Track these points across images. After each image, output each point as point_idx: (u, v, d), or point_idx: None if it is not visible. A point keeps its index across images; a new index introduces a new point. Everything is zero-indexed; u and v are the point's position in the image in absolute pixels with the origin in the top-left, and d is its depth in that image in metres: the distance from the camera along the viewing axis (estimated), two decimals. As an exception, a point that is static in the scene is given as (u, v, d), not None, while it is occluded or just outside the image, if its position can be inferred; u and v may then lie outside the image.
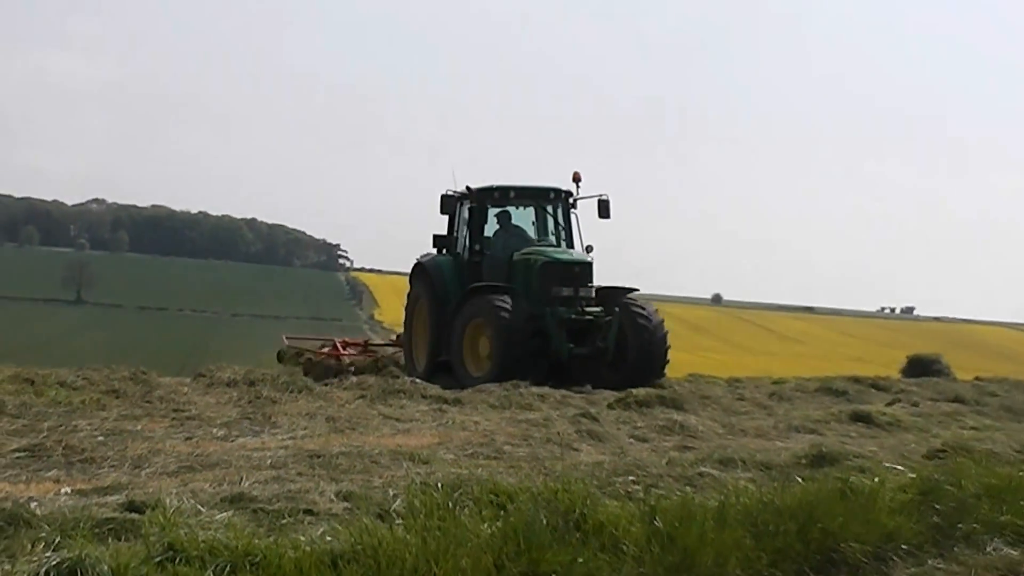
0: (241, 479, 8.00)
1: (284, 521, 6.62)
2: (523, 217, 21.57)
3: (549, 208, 21.59)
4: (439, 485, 7.34)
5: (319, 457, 9.14)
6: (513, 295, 19.15)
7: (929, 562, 7.36)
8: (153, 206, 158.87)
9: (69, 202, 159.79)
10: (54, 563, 5.27)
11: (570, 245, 21.14)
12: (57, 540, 5.66)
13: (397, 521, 6.44)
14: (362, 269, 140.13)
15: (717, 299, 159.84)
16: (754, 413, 14.42)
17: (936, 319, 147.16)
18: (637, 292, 20.51)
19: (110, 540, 5.81)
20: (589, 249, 20.97)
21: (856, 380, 20.38)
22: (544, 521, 6.36)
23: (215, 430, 10.97)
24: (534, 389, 15.62)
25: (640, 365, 19.00)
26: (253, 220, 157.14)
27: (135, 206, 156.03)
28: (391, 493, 7.35)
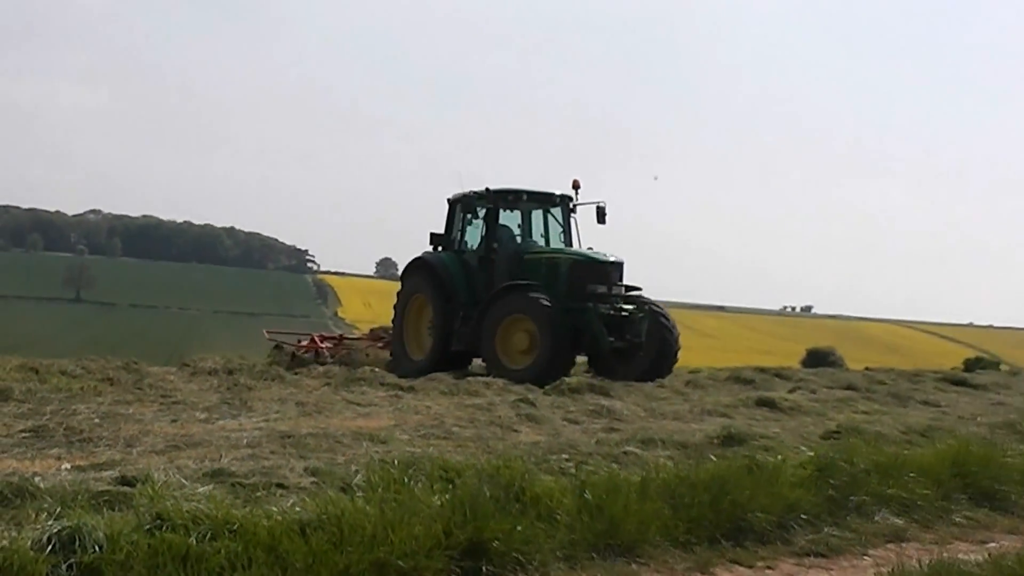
0: (221, 456, 7.95)
1: (259, 494, 6.58)
2: (511, 219, 20.44)
3: (554, 212, 20.55)
4: (395, 462, 7.32)
5: (290, 437, 9.09)
6: (548, 293, 18.21)
7: (825, 529, 7.40)
8: (144, 216, 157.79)
9: (70, 212, 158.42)
10: (55, 531, 5.22)
11: (569, 245, 20.15)
12: (58, 510, 5.61)
13: (358, 494, 6.41)
14: (327, 272, 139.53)
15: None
16: (672, 399, 14.47)
17: (832, 316, 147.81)
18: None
19: (105, 510, 5.75)
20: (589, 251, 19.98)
21: (761, 370, 20.55)
22: (487, 494, 6.35)
23: (198, 413, 10.91)
24: (480, 378, 15.62)
25: (658, 360, 18.58)
26: (232, 228, 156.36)
27: (128, 216, 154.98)
28: (353, 469, 7.32)
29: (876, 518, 7.75)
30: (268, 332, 24.96)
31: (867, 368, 25.20)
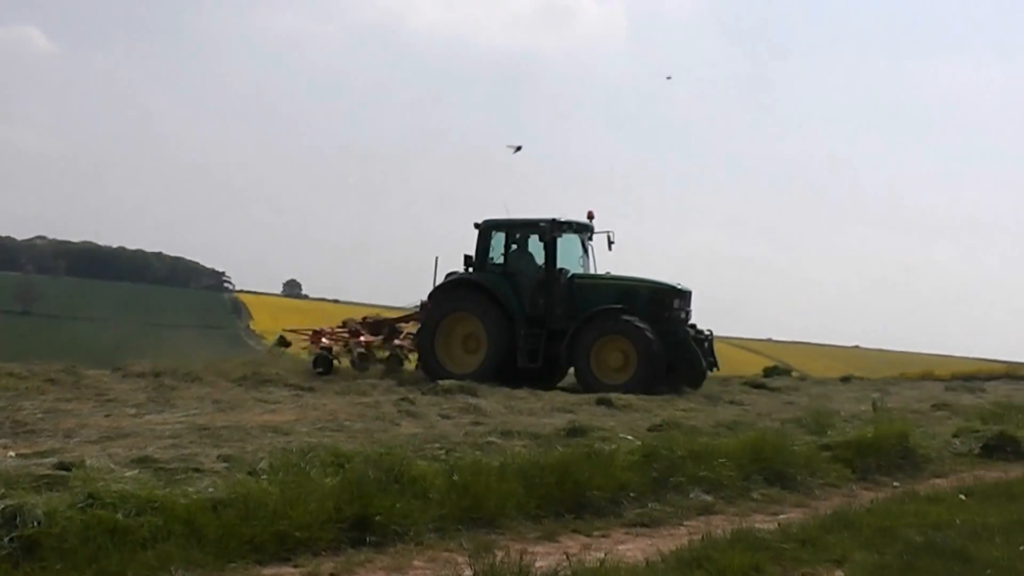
0: (147, 446, 7.81)
1: (178, 477, 6.46)
2: (536, 245, 18.65)
3: (585, 239, 19.15)
4: (295, 450, 7.27)
5: (206, 429, 8.97)
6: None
7: (650, 504, 7.46)
8: (84, 241, 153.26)
9: (19, 237, 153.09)
10: (0, 508, 5.08)
11: (588, 270, 18.96)
12: (3, 491, 5.43)
13: (263, 476, 6.34)
14: (241, 291, 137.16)
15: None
16: (528, 399, 14.49)
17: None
18: None
19: (44, 491, 5.59)
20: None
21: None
22: (372, 476, 6.32)
23: (128, 409, 10.74)
24: (369, 380, 15.55)
25: (697, 376, 18.05)
26: (160, 253, 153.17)
27: (70, 241, 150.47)
28: (259, 456, 7.22)
29: (690, 495, 7.82)
30: (285, 330, 20.94)
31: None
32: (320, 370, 18.08)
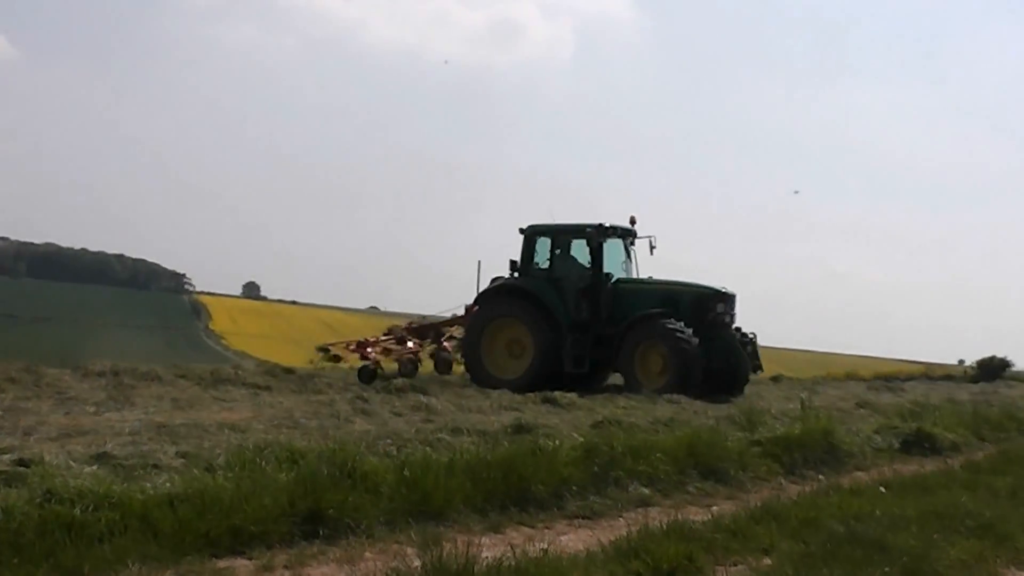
0: (105, 443, 7.65)
1: (136, 473, 6.35)
2: (580, 250, 18.06)
3: (628, 243, 18.49)
4: (251, 447, 7.18)
5: (165, 427, 8.83)
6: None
7: (591, 498, 7.49)
8: (46, 243, 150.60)
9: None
10: (-39, 504, 4.99)
11: (637, 273, 18.37)
12: (-37, 487, 5.33)
13: (219, 472, 6.27)
14: (201, 292, 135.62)
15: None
16: (476, 397, 14.44)
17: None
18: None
19: (2, 488, 5.49)
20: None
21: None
22: (325, 472, 6.29)
23: (88, 407, 10.55)
24: (325, 379, 15.41)
25: (741, 379, 17.46)
26: (121, 255, 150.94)
27: (32, 243, 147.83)
28: (216, 452, 7.14)
29: (629, 489, 7.86)
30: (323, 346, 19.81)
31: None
32: (365, 382, 17.52)
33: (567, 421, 11.38)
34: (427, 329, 20.10)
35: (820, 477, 9.31)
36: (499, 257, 19.21)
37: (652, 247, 18.20)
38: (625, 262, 18.53)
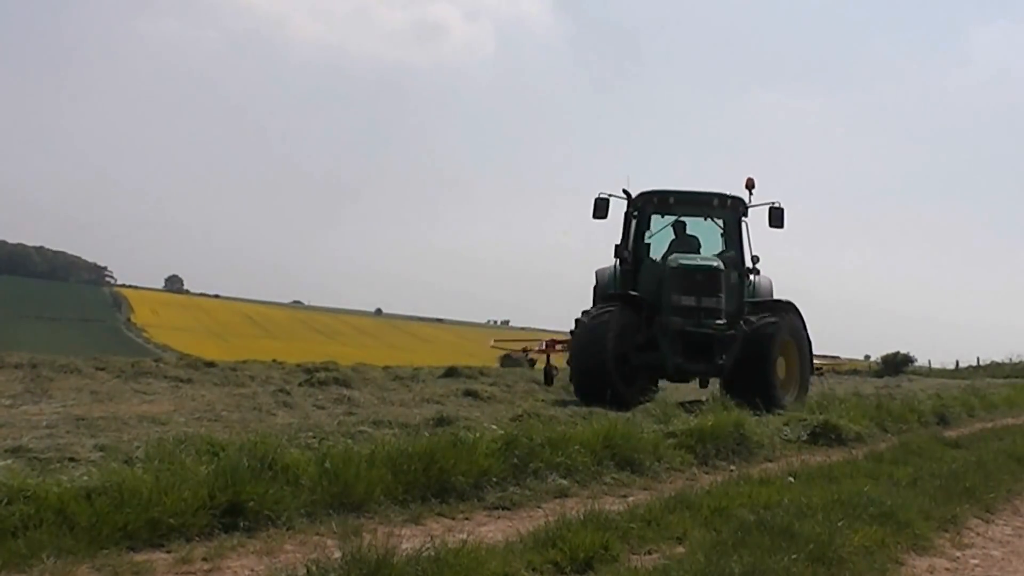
0: (21, 436, 7.45)
1: (52, 466, 6.17)
2: (702, 228, 15.73)
3: (715, 216, 15.65)
4: (171, 439, 7.03)
5: (83, 420, 8.61)
6: (632, 306, 14.37)
7: (510, 489, 7.47)
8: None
9: None
10: None
11: (739, 253, 15.16)
12: None
13: (138, 465, 6.12)
14: (123, 285, 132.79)
15: (379, 311, 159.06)
16: (399, 390, 14.48)
17: (523, 328, 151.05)
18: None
19: (-86, 482, 5.29)
20: (755, 260, 15.09)
21: (468, 368, 20.82)
22: (246, 464, 6.16)
23: (3, 400, 10.22)
24: (246, 372, 15.19)
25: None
26: (41, 247, 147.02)
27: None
28: (135, 445, 6.99)
29: (548, 480, 7.87)
30: (495, 340, 21.27)
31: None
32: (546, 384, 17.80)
33: (488, 414, 11.40)
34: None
35: (731, 468, 9.44)
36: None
37: (775, 217, 14.93)
38: (725, 238, 15.84)
